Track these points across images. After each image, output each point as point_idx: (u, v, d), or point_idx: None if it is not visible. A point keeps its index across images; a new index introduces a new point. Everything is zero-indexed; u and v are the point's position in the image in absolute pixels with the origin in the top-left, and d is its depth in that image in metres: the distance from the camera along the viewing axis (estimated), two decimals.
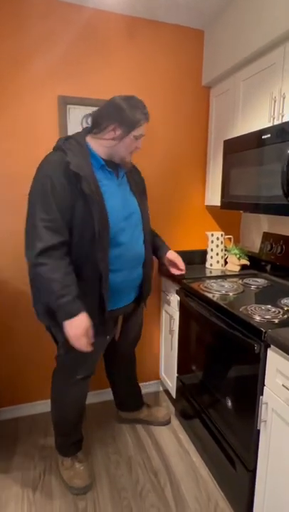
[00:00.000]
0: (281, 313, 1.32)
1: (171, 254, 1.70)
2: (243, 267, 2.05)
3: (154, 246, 1.66)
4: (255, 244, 2.14)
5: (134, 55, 1.88)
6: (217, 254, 2.06)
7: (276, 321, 1.25)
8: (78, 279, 1.24)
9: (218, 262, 2.07)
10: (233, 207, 1.73)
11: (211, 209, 2.20)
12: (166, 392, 2.20)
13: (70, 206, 1.22)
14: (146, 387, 2.19)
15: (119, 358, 1.82)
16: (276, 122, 1.46)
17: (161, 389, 2.29)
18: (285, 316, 1.29)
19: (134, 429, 1.92)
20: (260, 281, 1.80)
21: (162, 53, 1.94)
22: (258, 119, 1.59)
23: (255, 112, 1.61)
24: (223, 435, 1.47)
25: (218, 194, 1.94)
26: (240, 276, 1.93)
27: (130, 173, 1.48)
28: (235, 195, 1.70)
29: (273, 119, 1.48)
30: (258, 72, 1.57)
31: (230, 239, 2.15)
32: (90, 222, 1.22)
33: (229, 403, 1.40)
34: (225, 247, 2.09)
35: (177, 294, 1.85)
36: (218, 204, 1.89)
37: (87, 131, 1.35)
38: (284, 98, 1.42)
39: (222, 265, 2.08)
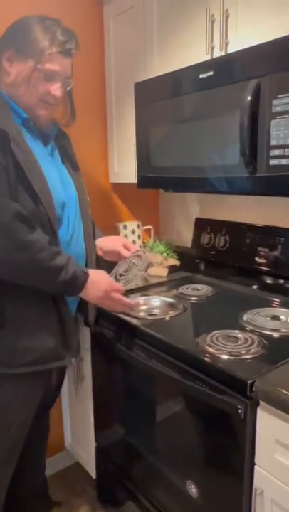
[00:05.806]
0: (256, 342, 1.10)
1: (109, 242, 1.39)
2: (171, 268, 1.82)
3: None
4: (183, 235, 1.94)
5: None
6: None
7: (248, 357, 1.02)
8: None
9: None
10: (159, 184, 1.47)
11: (118, 188, 1.89)
12: (79, 467, 1.84)
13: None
14: (47, 466, 1.77)
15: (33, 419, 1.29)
16: (217, 54, 1.23)
17: (69, 464, 1.91)
18: (262, 346, 1.08)
19: None
20: (202, 289, 1.58)
21: None
22: (187, 51, 1.34)
23: (183, 41, 1.36)
24: None
25: (131, 166, 1.65)
26: (170, 283, 1.70)
27: (58, 139, 1.31)
28: (160, 166, 1.43)
29: (212, 49, 1.24)
30: None
31: (149, 231, 1.90)
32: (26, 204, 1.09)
33: (193, 489, 1.14)
34: (144, 242, 1.83)
35: (86, 323, 1.49)
36: (133, 181, 1.60)
37: None
38: (227, 17, 1.18)
39: None
